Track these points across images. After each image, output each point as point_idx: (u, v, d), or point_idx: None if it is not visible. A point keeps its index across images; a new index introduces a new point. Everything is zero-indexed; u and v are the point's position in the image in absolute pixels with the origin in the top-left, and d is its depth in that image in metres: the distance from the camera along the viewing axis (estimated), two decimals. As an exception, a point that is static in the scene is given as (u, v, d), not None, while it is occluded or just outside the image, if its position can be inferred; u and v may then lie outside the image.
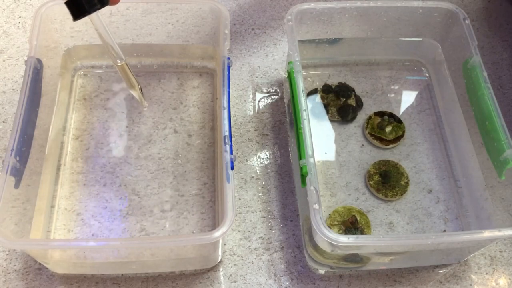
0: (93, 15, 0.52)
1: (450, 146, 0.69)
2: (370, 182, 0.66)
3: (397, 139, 0.69)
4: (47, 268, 0.59)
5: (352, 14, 0.69)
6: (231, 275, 0.60)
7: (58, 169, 0.65)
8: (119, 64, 0.59)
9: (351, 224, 0.62)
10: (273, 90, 0.74)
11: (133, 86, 0.61)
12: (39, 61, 0.62)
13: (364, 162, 0.68)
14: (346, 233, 0.62)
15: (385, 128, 0.69)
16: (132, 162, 0.66)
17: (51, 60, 0.66)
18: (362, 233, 0.62)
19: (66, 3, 0.49)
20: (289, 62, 0.65)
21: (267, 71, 0.75)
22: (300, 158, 0.57)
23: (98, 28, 0.54)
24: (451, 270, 0.62)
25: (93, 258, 0.57)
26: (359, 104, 0.72)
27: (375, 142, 0.69)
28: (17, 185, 0.55)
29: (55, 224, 0.62)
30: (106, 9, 0.51)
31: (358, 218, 0.63)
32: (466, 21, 0.67)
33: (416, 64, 0.76)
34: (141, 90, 0.62)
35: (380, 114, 0.71)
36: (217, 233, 0.50)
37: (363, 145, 0.70)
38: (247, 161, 0.68)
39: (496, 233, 0.53)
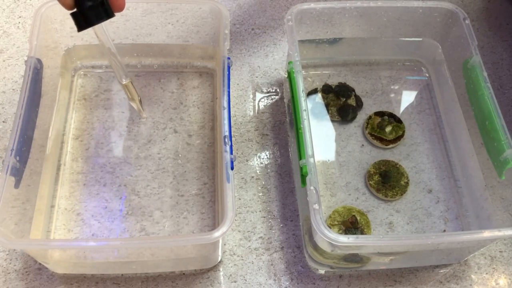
0: (98, 27, 0.51)
1: (450, 146, 0.69)
2: (370, 182, 0.66)
3: (397, 139, 0.69)
4: (47, 268, 0.59)
5: (352, 14, 0.69)
6: (231, 275, 0.60)
7: (58, 169, 0.65)
8: (124, 83, 0.58)
9: (351, 224, 0.62)
10: (273, 90, 0.74)
11: (133, 98, 0.61)
12: (39, 61, 0.62)
13: (364, 162, 0.68)
14: (346, 233, 0.62)
15: (385, 128, 0.69)
16: (132, 162, 0.66)
17: (51, 60, 0.66)
18: (362, 233, 0.62)
19: (71, 14, 0.49)
20: (289, 62, 0.65)
21: (267, 71, 0.75)
22: (300, 158, 0.57)
23: (102, 40, 0.53)
24: (451, 270, 0.62)
25: (93, 258, 0.57)
26: (359, 104, 0.72)
27: (375, 142, 0.69)
28: (17, 185, 0.55)
29: (55, 224, 0.62)
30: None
31: (358, 218, 0.63)
32: (466, 21, 0.67)
33: (416, 64, 0.76)
34: (141, 102, 0.62)
35: (380, 114, 0.71)
36: (217, 233, 0.50)
37: (363, 145, 0.70)
38: (247, 161, 0.68)
39: (496, 233, 0.53)
